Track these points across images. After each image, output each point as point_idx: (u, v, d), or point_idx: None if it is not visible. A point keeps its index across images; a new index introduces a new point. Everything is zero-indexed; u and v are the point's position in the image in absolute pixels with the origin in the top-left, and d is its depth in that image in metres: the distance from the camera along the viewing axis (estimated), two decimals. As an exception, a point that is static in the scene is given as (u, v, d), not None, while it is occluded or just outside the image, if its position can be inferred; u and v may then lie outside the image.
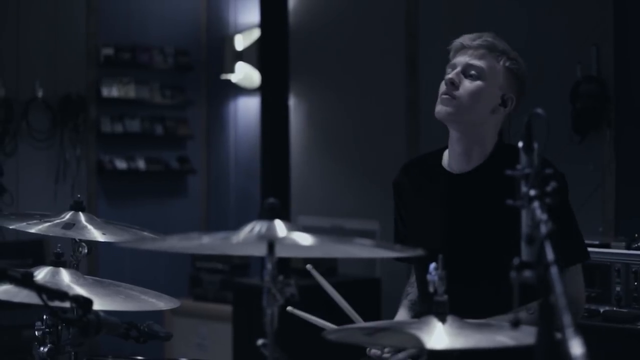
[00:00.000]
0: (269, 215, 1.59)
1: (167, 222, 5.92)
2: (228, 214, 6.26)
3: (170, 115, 6.17)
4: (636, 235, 3.27)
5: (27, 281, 1.55)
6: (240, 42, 6.10)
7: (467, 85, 2.28)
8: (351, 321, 2.25)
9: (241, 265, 5.54)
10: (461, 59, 2.31)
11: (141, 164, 6.02)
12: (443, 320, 1.65)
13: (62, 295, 1.59)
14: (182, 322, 5.54)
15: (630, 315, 3.07)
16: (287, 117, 5.14)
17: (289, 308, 2.26)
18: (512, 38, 4.36)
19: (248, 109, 6.20)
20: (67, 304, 1.64)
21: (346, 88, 5.47)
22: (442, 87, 2.32)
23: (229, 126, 6.33)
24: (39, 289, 1.57)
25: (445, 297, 1.67)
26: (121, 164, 5.94)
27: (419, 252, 1.60)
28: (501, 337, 1.61)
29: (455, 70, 2.30)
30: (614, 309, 3.12)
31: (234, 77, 6.13)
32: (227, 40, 6.17)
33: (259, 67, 5.68)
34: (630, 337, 3.02)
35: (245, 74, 6.09)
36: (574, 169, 4.05)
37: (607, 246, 3.25)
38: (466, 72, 2.29)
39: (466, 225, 2.30)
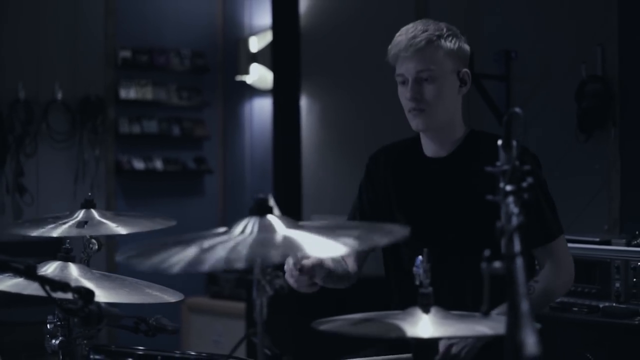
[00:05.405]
0: (260, 211, 1.66)
1: (184, 222, 5.91)
2: (244, 213, 6.32)
3: (187, 116, 6.26)
4: (637, 232, 3.31)
5: (29, 273, 1.59)
6: (255, 44, 6.17)
7: (428, 90, 2.34)
8: None
9: (256, 263, 5.61)
10: (409, 68, 2.35)
11: (159, 165, 6.11)
12: (427, 311, 1.72)
13: (64, 286, 1.63)
14: (198, 319, 5.63)
15: (629, 311, 3.11)
16: (299, 118, 5.21)
17: None
18: (518, 37, 4.47)
19: (263, 109, 6.27)
20: (70, 295, 1.71)
21: (357, 88, 5.51)
22: (405, 101, 2.37)
23: (245, 127, 6.41)
24: (42, 280, 1.61)
25: (430, 289, 1.74)
26: (139, 165, 6.03)
27: (404, 231, 1.61)
28: (481, 327, 1.67)
29: (410, 82, 2.35)
30: (614, 304, 3.16)
31: (248, 79, 6.21)
32: (242, 42, 6.24)
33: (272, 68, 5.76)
34: (629, 332, 3.07)
35: (259, 75, 6.16)
36: (580, 167, 4.11)
37: (608, 243, 3.29)
38: (419, 78, 2.34)
39: (444, 208, 2.38)
